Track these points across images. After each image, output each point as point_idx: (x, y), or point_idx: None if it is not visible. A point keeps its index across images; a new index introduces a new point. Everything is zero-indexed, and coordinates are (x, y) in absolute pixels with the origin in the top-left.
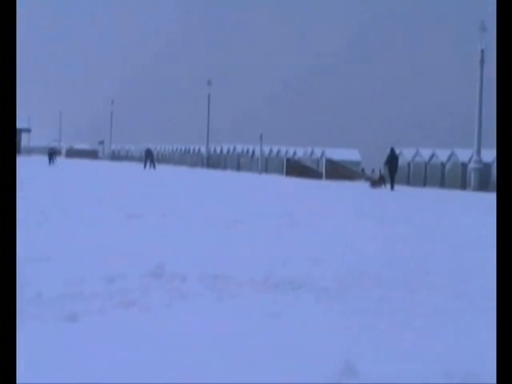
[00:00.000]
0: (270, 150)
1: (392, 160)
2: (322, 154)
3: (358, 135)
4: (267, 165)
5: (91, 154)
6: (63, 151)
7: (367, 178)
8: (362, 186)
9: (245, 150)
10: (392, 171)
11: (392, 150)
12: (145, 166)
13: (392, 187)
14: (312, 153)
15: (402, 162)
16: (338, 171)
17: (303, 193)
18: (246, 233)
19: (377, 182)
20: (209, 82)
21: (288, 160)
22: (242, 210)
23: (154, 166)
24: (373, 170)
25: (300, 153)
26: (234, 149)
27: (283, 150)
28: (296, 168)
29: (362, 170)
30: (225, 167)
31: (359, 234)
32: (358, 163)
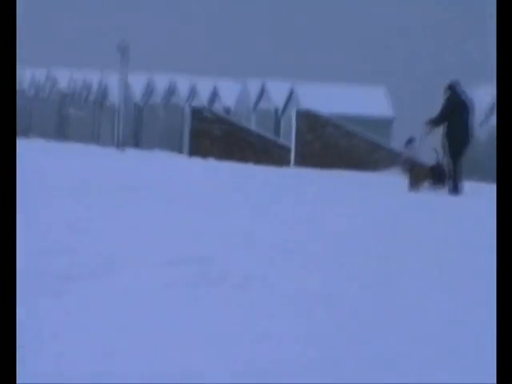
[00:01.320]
0: (148, 87)
1: (455, 115)
2: (289, 97)
3: (382, 62)
4: (139, 126)
5: None
6: None
7: (405, 165)
8: (397, 184)
9: (79, 85)
10: (457, 144)
11: (452, 88)
12: None
13: (455, 188)
14: (262, 94)
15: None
16: (333, 146)
17: (234, 204)
18: (95, 304)
19: (428, 177)
20: None
21: (196, 113)
22: (82, 252)
23: None
24: (409, 141)
25: (228, 96)
26: (54, 83)
27: (183, 86)
28: (218, 135)
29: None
30: (26, 132)
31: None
32: (387, 123)
